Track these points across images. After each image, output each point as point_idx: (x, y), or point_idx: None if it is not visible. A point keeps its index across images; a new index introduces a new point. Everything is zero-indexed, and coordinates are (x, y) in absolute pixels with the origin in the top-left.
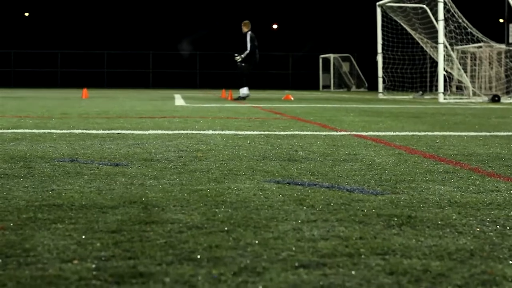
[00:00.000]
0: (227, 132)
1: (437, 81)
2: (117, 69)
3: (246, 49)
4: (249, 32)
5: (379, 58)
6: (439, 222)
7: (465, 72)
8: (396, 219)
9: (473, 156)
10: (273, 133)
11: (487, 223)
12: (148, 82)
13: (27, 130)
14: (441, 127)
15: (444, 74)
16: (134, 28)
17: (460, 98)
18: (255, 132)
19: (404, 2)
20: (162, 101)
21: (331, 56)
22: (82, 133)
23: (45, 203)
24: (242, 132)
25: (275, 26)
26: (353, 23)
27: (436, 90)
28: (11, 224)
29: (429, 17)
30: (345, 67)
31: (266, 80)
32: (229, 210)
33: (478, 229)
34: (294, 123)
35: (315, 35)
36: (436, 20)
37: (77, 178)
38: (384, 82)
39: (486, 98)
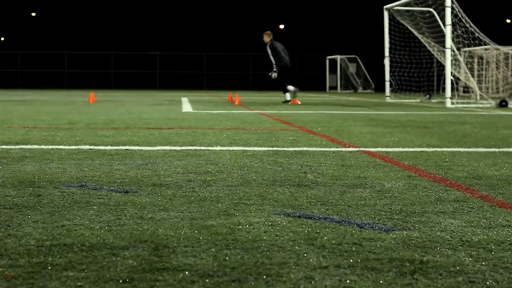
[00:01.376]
0: (235, 148)
1: (444, 82)
2: (124, 70)
3: (271, 63)
4: (269, 44)
5: (386, 62)
6: (452, 269)
7: (472, 74)
8: (408, 264)
9: (483, 179)
10: (281, 149)
11: (500, 270)
12: (155, 83)
13: (35, 146)
14: (449, 141)
15: (451, 79)
16: (141, 29)
17: (468, 102)
18: (263, 148)
19: (411, 6)
20: (169, 107)
21: (338, 57)
22: (90, 149)
23: (56, 242)
24: (250, 148)
25: (281, 26)
26: (359, 24)
27: (443, 91)
28: (22, 273)
29: (436, 21)
30: (352, 68)
31: (273, 81)
32: (240, 253)
33: (490, 278)
34: (301, 136)
35: (321, 36)
36: (444, 24)
37: (87, 209)
38: (391, 85)
39: (493, 103)
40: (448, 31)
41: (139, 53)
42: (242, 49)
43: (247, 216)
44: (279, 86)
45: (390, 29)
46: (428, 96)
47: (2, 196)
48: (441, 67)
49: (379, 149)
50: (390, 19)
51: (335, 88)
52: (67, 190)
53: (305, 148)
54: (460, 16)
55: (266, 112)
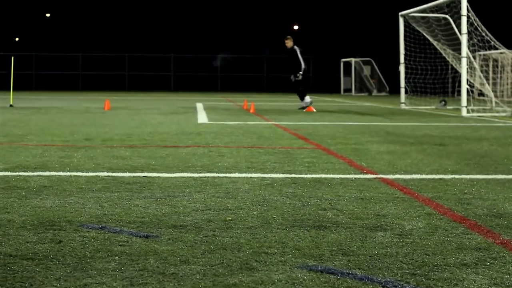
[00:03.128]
0: (253, 175)
1: (459, 85)
2: (138, 72)
3: (299, 65)
4: (295, 47)
5: (402, 68)
6: None
7: (487, 78)
8: None
9: (504, 217)
10: (299, 176)
11: None
12: (169, 85)
13: (53, 173)
14: (467, 164)
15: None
16: (156, 31)
17: (483, 109)
18: (280, 175)
19: (426, 12)
20: (185, 116)
21: (352, 60)
22: (108, 177)
23: None
24: (268, 176)
25: (296, 27)
26: (374, 27)
27: (458, 95)
28: None
29: (452, 28)
30: (366, 70)
31: (287, 83)
32: None
33: None
34: (319, 157)
35: (336, 38)
36: (460, 32)
37: (108, 261)
38: (406, 92)
39: (509, 111)
40: (464, 39)
41: (153, 55)
42: (256, 51)
43: (269, 270)
44: (298, 90)
45: (405, 36)
46: (443, 102)
47: (23, 243)
48: (457, 72)
49: (398, 176)
50: (405, 26)
51: (350, 90)
52: (87, 235)
53: (323, 175)
54: (476, 24)
55: (281, 124)
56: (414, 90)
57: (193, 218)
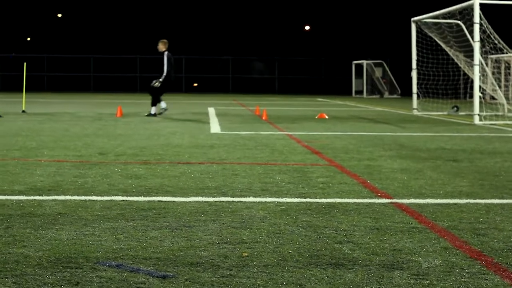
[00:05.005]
0: (267, 199)
1: (471, 89)
2: (149, 74)
3: (162, 71)
4: (167, 52)
5: (414, 74)
6: None
7: (499, 81)
8: None
9: None
10: (313, 200)
11: None
12: (181, 87)
13: (68, 197)
14: (481, 186)
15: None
16: (167, 33)
17: (495, 116)
18: (295, 200)
19: (438, 19)
20: (197, 124)
21: (364, 62)
22: (123, 201)
23: None
24: (283, 200)
25: (307, 28)
26: (386, 29)
27: (470, 98)
28: None
29: (465, 35)
30: (378, 72)
31: (299, 85)
32: None
33: None
34: (333, 177)
35: (347, 40)
36: (472, 39)
37: None
38: (418, 97)
39: None
40: (476, 47)
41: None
42: (267, 53)
43: None
44: (154, 95)
45: (417, 41)
46: (455, 108)
47: (41, 284)
48: (469, 77)
49: (412, 200)
50: (417, 31)
51: (361, 92)
52: (104, 274)
53: (337, 200)
54: (488, 32)
55: (294, 135)
56: (426, 94)
57: (209, 254)
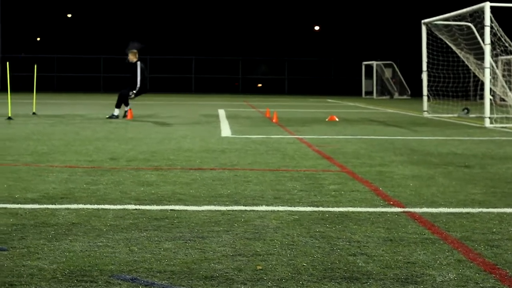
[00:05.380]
0: (280, 208)
1: (481, 89)
2: (160, 75)
3: (135, 83)
4: (139, 62)
5: (424, 76)
6: None
7: (510, 83)
8: None
9: None
10: (326, 209)
11: None
12: (190, 87)
13: (80, 206)
14: (494, 194)
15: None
16: (176, 34)
17: (506, 119)
18: (308, 209)
19: (449, 21)
20: (207, 128)
21: (374, 63)
22: (136, 210)
23: None
24: (295, 209)
25: (317, 28)
26: (395, 30)
27: (480, 99)
28: None
29: (475, 38)
30: (388, 73)
31: (308, 85)
32: None
33: None
34: (344, 184)
35: (356, 40)
36: (483, 42)
37: None
38: (428, 100)
39: None
40: (487, 50)
41: (175, 57)
42: (277, 53)
43: None
44: (123, 98)
45: (427, 43)
46: (466, 110)
47: None
48: (479, 79)
49: (425, 209)
50: (428, 33)
51: (371, 93)
52: None
53: (350, 209)
54: (499, 34)
55: (305, 139)
56: (436, 96)
57: (223, 267)
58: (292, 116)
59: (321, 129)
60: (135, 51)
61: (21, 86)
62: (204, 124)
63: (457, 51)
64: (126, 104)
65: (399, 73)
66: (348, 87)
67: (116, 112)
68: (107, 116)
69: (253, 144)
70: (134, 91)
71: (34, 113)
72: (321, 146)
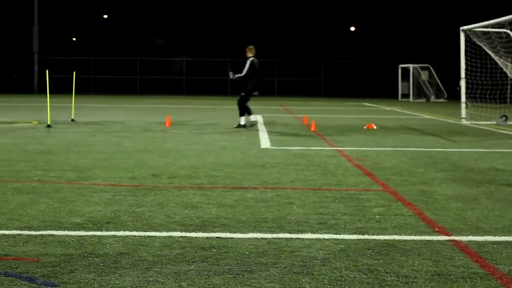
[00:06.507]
0: (325, 236)
1: None
2: (194, 77)
3: (242, 73)
4: (251, 58)
5: (462, 83)
6: None
7: None
8: None
9: None
10: (371, 237)
11: None
12: (226, 89)
13: (127, 233)
14: None
15: None
16: (213, 36)
17: None
18: (353, 237)
19: (488, 27)
20: (246, 137)
21: (410, 66)
22: (182, 238)
23: None
24: (340, 237)
25: (352, 29)
26: (433, 33)
27: None
28: None
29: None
30: (424, 76)
31: (344, 88)
32: None
33: None
34: (388, 207)
35: (392, 42)
36: None
37: None
38: (467, 107)
39: None
40: None
41: (210, 59)
42: (313, 55)
43: None
44: (241, 106)
45: (465, 50)
46: (504, 118)
47: None
48: None
49: (470, 237)
50: (466, 41)
51: (407, 96)
52: None
53: (395, 237)
54: None
55: (345, 151)
56: (474, 100)
57: None
58: (329, 123)
59: (360, 139)
60: (252, 47)
61: (59, 88)
62: (242, 133)
63: (496, 58)
64: (246, 110)
65: (435, 76)
66: (384, 90)
67: (242, 121)
68: (235, 126)
69: (293, 157)
70: (237, 75)
71: (72, 120)
72: (361, 160)
